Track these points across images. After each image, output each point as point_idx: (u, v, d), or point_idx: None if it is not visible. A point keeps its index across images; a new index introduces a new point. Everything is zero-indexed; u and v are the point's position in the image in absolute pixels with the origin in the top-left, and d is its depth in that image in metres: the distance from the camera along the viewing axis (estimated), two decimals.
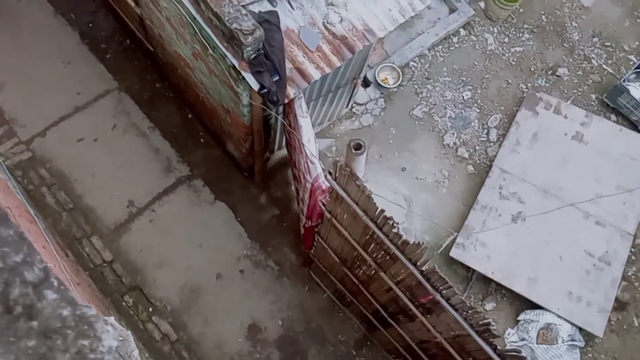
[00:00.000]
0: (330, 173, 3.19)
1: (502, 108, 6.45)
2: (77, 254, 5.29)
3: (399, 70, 6.32)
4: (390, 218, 2.82)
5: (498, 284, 5.54)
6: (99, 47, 6.07)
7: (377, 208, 2.87)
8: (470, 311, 2.86)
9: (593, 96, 6.58)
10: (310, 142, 4.00)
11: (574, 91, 6.59)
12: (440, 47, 6.63)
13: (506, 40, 6.81)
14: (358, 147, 3.15)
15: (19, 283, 0.75)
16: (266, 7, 3.93)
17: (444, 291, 2.92)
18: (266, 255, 5.60)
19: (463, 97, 6.45)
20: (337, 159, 3.09)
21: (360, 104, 6.22)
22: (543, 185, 5.82)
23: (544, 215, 5.51)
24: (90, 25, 6.14)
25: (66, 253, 4.79)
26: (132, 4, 4.97)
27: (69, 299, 0.79)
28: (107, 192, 5.56)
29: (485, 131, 6.32)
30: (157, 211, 5.62)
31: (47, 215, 5.29)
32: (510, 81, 6.59)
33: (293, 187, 5.64)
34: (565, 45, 6.84)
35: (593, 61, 6.78)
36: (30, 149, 5.60)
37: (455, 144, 6.21)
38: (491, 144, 6.26)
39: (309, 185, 4.17)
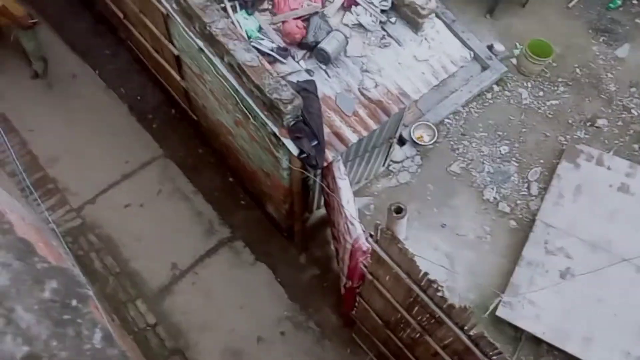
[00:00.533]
0: (371, 235, 3.21)
1: (541, 161, 6.38)
2: (122, 319, 5.39)
3: (434, 128, 6.39)
4: (435, 281, 2.80)
5: (550, 345, 5.28)
6: (146, 118, 6.43)
7: (421, 271, 2.85)
8: None
9: (636, 146, 6.44)
10: (349, 203, 4.05)
11: (615, 142, 6.48)
12: (475, 103, 6.71)
13: (541, 94, 6.83)
14: (399, 210, 3.18)
15: None
16: (304, 76, 4.12)
17: (494, 357, 2.82)
18: (307, 316, 5.55)
19: (500, 151, 6.43)
20: (378, 221, 3.11)
21: (397, 162, 6.28)
22: (591, 239, 5.63)
23: (594, 271, 5.30)
24: (139, 98, 6.53)
25: (112, 318, 4.89)
26: (178, 77, 5.30)
27: None
28: (152, 255, 5.71)
29: (526, 185, 6.24)
30: (200, 273, 5.71)
31: (95, 280, 5.45)
32: (548, 134, 6.56)
33: (332, 247, 5.65)
34: (602, 96, 6.80)
35: (632, 111, 6.69)
36: (81, 216, 5.86)
37: (495, 198, 6.14)
38: (533, 197, 6.16)
39: (349, 246, 4.19)
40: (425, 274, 2.83)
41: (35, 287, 0.76)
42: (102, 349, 0.83)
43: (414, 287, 2.99)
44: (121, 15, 5.66)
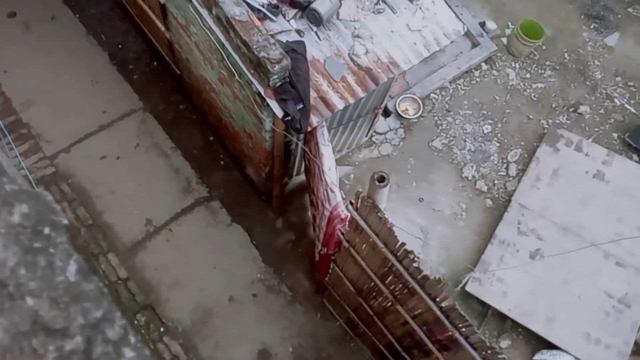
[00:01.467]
0: (351, 203, 3.19)
1: (522, 143, 6.43)
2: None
3: (420, 102, 6.36)
4: (411, 252, 2.81)
5: (514, 322, 5.44)
6: (127, 68, 6.22)
7: (398, 241, 2.86)
8: (489, 351, 2.81)
9: (615, 135, 6.54)
10: (330, 170, 4.02)
11: (596, 129, 6.56)
12: (462, 80, 6.68)
13: (528, 76, 6.84)
14: (382, 179, 3.17)
15: (101, 341, 0.75)
16: (294, 37, 4.01)
17: (463, 329, 2.87)
18: (280, 280, 5.58)
19: (483, 130, 6.45)
20: (359, 189, 3.09)
21: (380, 134, 6.25)
22: (563, 223, 5.75)
23: (563, 253, 5.42)
24: (120, 46, 6.30)
25: None
26: (162, 28, 5.11)
27: (145, 357, 0.79)
28: (126, 209, 5.62)
29: (505, 165, 6.30)
30: (174, 231, 5.65)
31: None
32: (531, 117, 6.59)
33: (310, 214, 5.65)
34: (587, 83, 6.84)
35: (615, 100, 6.76)
36: (54, 164, 5.70)
37: (474, 177, 6.19)
38: (510, 178, 6.22)
39: (327, 213, 4.18)
40: (403, 244, 2.84)
41: (3, 210, 0.71)
42: (77, 282, 0.78)
43: (390, 256, 3.00)
44: None
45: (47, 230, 0.79)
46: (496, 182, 6.20)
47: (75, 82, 6.01)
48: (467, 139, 6.37)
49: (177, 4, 4.46)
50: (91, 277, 0.83)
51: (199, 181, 5.91)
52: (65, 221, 0.82)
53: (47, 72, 6.02)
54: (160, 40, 5.63)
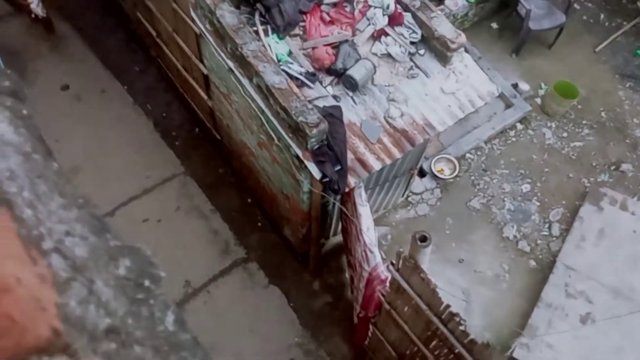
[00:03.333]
0: (392, 263, 3.16)
1: (563, 202, 6.29)
2: None
3: (455, 162, 6.36)
4: (457, 314, 2.72)
5: None
6: (170, 135, 6.51)
7: (443, 303, 2.79)
8: None
9: None
10: (369, 230, 4.01)
11: None
12: (497, 140, 6.68)
13: (565, 135, 6.79)
14: (424, 239, 3.14)
15: None
16: (330, 102, 4.16)
17: None
18: (317, 344, 5.45)
19: (522, 189, 6.36)
20: (400, 249, 3.07)
21: (417, 194, 6.24)
22: (613, 284, 5.48)
23: (615, 317, 5.13)
24: (164, 115, 6.63)
25: None
26: (205, 97, 5.38)
27: None
28: (166, 271, 5.65)
29: (547, 225, 6.14)
30: (212, 293, 5.66)
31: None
32: (571, 175, 6.48)
33: (347, 275, 5.58)
34: (627, 141, 6.73)
35: None
36: None
37: (515, 237, 6.04)
38: (554, 238, 6.04)
39: (366, 274, 4.13)
40: (447, 306, 2.77)
41: (111, 263, 0.75)
42: (175, 332, 0.81)
43: (435, 319, 2.92)
44: (154, 34, 5.81)
45: (147, 283, 0.84)
46: (539, 242, 6.02)
47: (122, 149, 6.31)
48: (506, 199, 6.28)
49: (219, 75, 4.72)
50: (186, 327, 0.86)
51: (237, 243, 5.97)
52: (163, 274, 0.86)
53: (95, 141, 6.36)
54: (202, 108, 5.91)
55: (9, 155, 0.54)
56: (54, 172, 0.61)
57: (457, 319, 2.74)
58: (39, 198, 0.53)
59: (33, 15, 5.61)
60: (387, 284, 3.48)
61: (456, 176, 6.34)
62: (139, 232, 5.88)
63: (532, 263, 5.88)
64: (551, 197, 6.32)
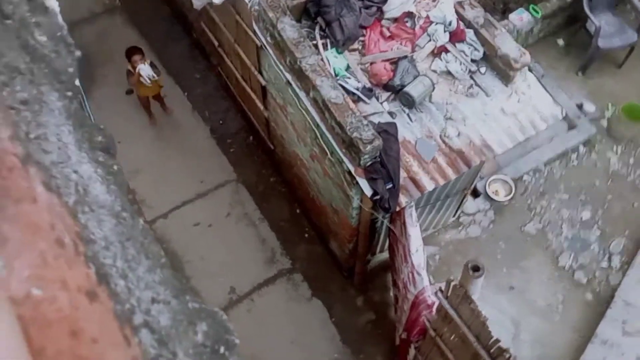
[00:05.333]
0: (440, 290, 3.07)
1: (626, 233, 5.93)
2: None
3: (512, 184, 6.14)
4: (507, 350, 2.60)
5: None
6: (225, 142, 6.65)
7: (493, 336, 2.67)
8: None
9: None
10: (418, 252, 3.93)
11: None
12: (557, 163, 6.40)
13: (631, 161, 6.42)
14: (476, 269, 3.03)
15: None
16: (386, 118, 4.11)
17: None
18: None
19: (581, 217, 6.06)
20: (451, 277, 2.98)
21: (469, 214, 6.06)
22: None
23: None
24: (221, 122, 6.79)
25: None
26: (261, 107, 5.46)
27: None
28: (212, 276, 5.79)
29: (607, 256, 5.81)
30: (256, 301, 5.71)
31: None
32: (635, 205, 6.11)
33: (392, 294, 5.48)
34: None
35: None
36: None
37: (571, 266, 5.75)
38: (613, 271, 5.71)
39: (411, 297, 4.04)
40: (497, 340, 2.65)
41: (190, 329, 0.76)
42: None
43: (483, 352, 2.80)
44: (216, 43, 5.96)
45: (222, 349, 0.84)
46: (597, 274, 5.70)
47: (179, 153, 6.51)
48: (564, 225, 5.99)
49: (277, 87, 4.77)
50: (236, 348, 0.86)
51: (283, 253, 6.00)
52: (237, 340, 0.86)
53: (155, 145, 6.58)
54: (258, 118, 6.00)
55: (104, 219, 0.55)
56: (140, 231, 0.61)
57: (507, 355, 2.61)
58: (129, 264, 0.54)
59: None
60: (434, 309, 3.38)
61: (511, 199, 6.11)
62: (190, 236, 6.03)
63: (589, 296, 5.58)
64: (613, 227, 5.98)
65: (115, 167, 0.61)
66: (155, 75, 5.89)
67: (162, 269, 0.60)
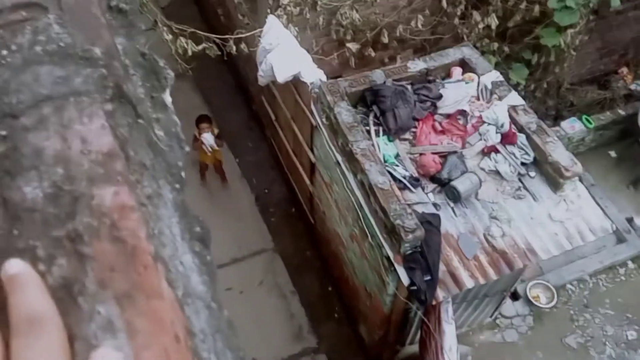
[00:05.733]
0: None
1: None
2: None
3: (554, 291, 5.92)
4: None
5: None
6: (268, 210, 6.79)
7: None
8: None
9: None
10: (451, 351, 3.79)
11: None
12: (604, 275, 6.16)
13: None
14: None
15: None
16: (430, 209, 4.14)
17: None
18: None
19: (627, 336, 5.72)
20: None
21: (506, 317, 5.83)
22: None
23: None
24: (266, 190, 6.97)
25: None
26: (308, 182, 5.61)
27: None
28: None
29: None
30: None
31: None
32: None
33: None
34: None
35: None
36: None
37: None
38: None
39: None
40: None
41: None
42: None
43: None
44: (273, 117, 6.27)
45: None
46: None
47: (221, 216, 6.66)
48: (607, 343, 5.66)
49: (326, 165, 4.93)
50: None
51: (310, 330, 5.88)
52: None
53: (200, 203, 6.76)
54: (302, 192, 6.14)
55: (200, 311, 0.60)
56: (225, 322, 0.66)
57: None
58: (218, 358, 0.58)
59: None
60: None
61: (553, 306, 5.86)
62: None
63: None
64: None
65: (208, 258, 0.67)
66: (215, 146, 6.25)
67: (213, 315, 0.63)
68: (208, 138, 6.19)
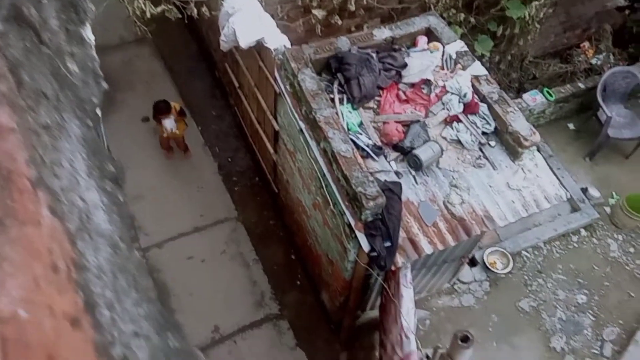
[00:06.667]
0: (427, 357, 3.02)
1: (620, 322, 5.85)
2: None
3: (510, 257, 6.12)
4: None
5: None
6: (231, 179, 6.72)
7: None
8: None
9: None
10: (409, 314, 3.88)
11: None
12: (558, 242, 6.40)
13: (632, 250, 6.41)
14: (465, 339, 2.99)
15: None
16: (392, 177, 4.17)
17: None
18: None
19: (577, 300, 5.99)
20: (439, 345, 2.93)
21: (464, 283, 6.01)
22: None
23: None
24: (229, 159, 6.88)
25: None
26: (272, 150, 5.55)
27: None
28: (198, 313, 5.69)
29: (599, 343, 5.70)
30: (238, 344, 5.59)
31: None
32: (632, 294, 6.06)
33: (377, 354, 5.36)
34: None
35: None
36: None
37: (563, 349, 5.64)
38: (604, 359, 5.59)
39: (397, 359, 3.96)
40: None
41: None
42: None
43: None
44: (237, 85, 6.13)
45: None
46: None
47: (184, 185, 6.56)
48: (558, 306, 5.92)
49: (289, 133, 4.88)
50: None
51: (273, 297, 5.92)
52: None
53: (162, 173, 6.65)
54: (266, 160, 6.09)
55: (101, 248, 0.57)
56: (135, 264, 0.63)
57: None
58: (117, 296, 0.55)
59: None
60: None
61: (509, 272, 6.08)
62: (181, 269, 5.99)
63: None
64: (608, 314, 5.90)
65: (120, 198, 0.64)
66: (177, 130, 6.17)
67: (149, 303, 0.61)
68: (168, 124, 6.06)
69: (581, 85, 7.24)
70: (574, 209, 6.58)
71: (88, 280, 0.52)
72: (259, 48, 4.85)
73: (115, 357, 0.58)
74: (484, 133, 4.43)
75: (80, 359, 0.52)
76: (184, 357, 0.81)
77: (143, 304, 0.71)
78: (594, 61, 7.59)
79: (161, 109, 6.06)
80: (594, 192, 6.72)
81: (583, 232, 6.52)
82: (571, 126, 7.46)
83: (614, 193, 6.83)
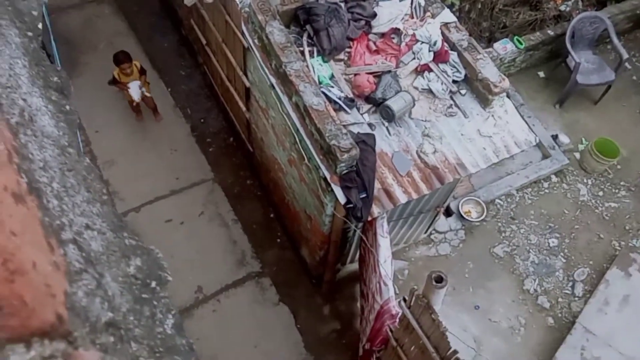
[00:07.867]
0: (404, 300, 3.11)
1: (590, 262, 6.09)
2: None
3: (484, 206, 6.26)
4: None
5: None
6: (205, 141, 6.64)
7: (450, 348, 2.72)
8: None
9: None
10: (386, 262, 3.97)
11: None
12: (530, 189, 6.56)
13: (600, 193, 6.61)
14: (439, 279, 3.09)
15: None
16: (365, 129, 4.17)
17: None
18: None
19: (549, 243, 6.20)
20: (415, 286, 3.02)
21: (440, 232, 6.15)
22: (631, 355, 5.25)
23: None
24: (202, 121, 6.78)
25: None
26: (244, 108, 5.48)
27: None
28: (180, 274, 5.73)
29: (571, 284, 5.95)
30: (222, 302, 5.67)
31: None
32: (601, 236, 6.29)
33: (358, 304, 5.51)
34: None
35: None
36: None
37: (535, 291, 5.87)
38: (576, 298, 5.85)
39: (377, 307, 4.07)
40: (455, 351, 2.70)
41: (122, 261, 0.78)
42: (172, 335, 0.84)
43: None
44: (204, 42, 5.97)
45: (154, 284, 0.86)
46: (560, 300, 5.83)
47: (157, 148, 6.46)
48: (531, 250, 6.13)
49: (260, 89, 4.81)
50: (183, 332, 0.88)
51: (254, 256, 5.98)
52: (170, 278, 0.89)
53: (132, 137, 6.53)
54: (239, 119, 6.01)
55: (46, 147, 0.56)
56: (84, 167, 0.63)
57: None
58: (66, 190, 0.56)
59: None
60: (397, 320, 3.42)
61: (483, 220, 6.23)
62: (160, 232, 5.97)
63: (550, 320, 5.70)
64: (578, 256, 6.14)
65: (67, 107, 0.63)
66: (147, 94, 5.92)
67: (102, 204, 0.62)
68: (134, 89, 5.85)
69: (550, 33, 7.25)
70: (545, 155, 6.72)
71: (32, 169, 0.52)
72: (225, 1, 4.71)
73: (65, 239, 0.59)
74: (454, 81, 4.44)
75: (25, 230, 0.52)
76: (140, 253, 0.82)
77: (96, 204, 0.72)
78: (562, 7, 7.59)
79: (120, 59, 5.79)
80: (563, 138, 6.85)
81: (554, 178, 6.68)
82: (541, 74, 7.52)
83: (583, 139, 6.98)
